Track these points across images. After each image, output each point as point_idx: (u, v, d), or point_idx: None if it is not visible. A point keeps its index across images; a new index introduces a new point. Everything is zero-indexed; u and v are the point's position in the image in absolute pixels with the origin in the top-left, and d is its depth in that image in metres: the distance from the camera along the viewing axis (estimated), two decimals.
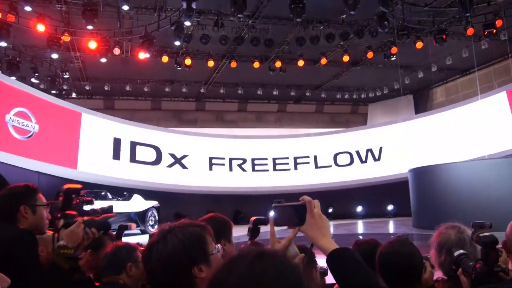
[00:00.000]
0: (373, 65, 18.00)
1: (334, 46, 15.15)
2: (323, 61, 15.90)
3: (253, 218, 2.12)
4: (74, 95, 19.40)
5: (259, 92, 19.93)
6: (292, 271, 0.90)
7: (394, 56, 15.44)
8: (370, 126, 21.00)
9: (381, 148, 18.43)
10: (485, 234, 1.86)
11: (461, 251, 1.97)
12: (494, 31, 13.03)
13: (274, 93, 20.09)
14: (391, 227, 15.23)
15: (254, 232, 2.13)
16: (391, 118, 21.58)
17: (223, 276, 0.88)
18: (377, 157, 18.48)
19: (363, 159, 18.68)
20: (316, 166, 18.90)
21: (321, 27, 13.86)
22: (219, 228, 1.93)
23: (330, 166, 18.73)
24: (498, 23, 12.84)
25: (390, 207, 18.10)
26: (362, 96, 21.98)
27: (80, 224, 2.04)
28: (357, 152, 18.78)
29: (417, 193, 13.40)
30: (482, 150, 14.70)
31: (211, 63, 15.82)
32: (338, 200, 17.88)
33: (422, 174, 13.47)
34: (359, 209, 18.48)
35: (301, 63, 15.91)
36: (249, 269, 0.86)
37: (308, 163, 18.92)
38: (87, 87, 18.53)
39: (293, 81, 19.55)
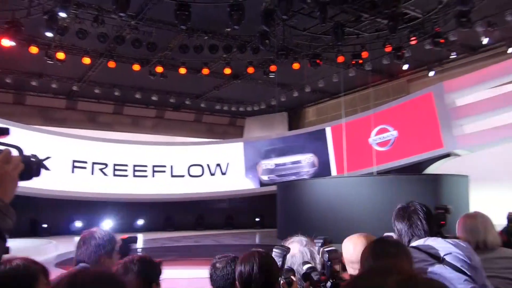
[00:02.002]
0: (253, 80, 18.61)
1: (217, 57, 15.34)
2: (205, 71, 15.98)
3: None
4: None
5: (138, 96, 19.24)
6: None
7: (273, 74, 16.18)
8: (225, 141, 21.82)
9: (228, 164, 19.40)
10: (330, 248, 2.01)
11: (309, 265, 2.09)
12: (361, 61, 14.41)
13: (153, 98, 19.58)
14: (256, 238, 15.79)
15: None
16: (266, 132, 22.58)
17: None
18: (224, 171, 19.41)
19: (212, 172, 19.48)
20: (172, 175, 19.31)
21: (206, 37, 13.94)
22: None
23: (183, 176, 19.17)
24: (364, 54, 14.23)
25: (257, 219, 18.85)
26: (241, 109, 22.57)
27: None
28: (208, 165, 19.65)
29: (282, 206, 14.10)
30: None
31: (87, 60, 14.82)
32: (208, 210, 18.39)
33: (288, 188, 14.22)
34: (228, 219, 19.01)
35: (183, 70, 15.77)
36: None
37: (164, 171, 19.06)
38: None
39: (174, 88, 19.31)
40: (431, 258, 2.00)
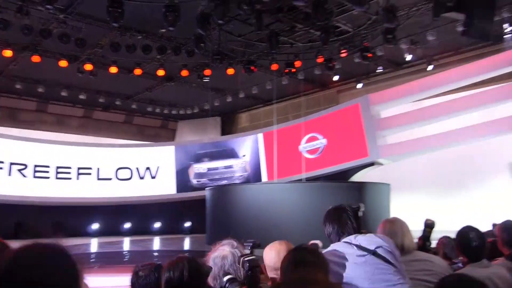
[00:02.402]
0: (187, 83, 18.40)
1: (150, 58, 15.00)
2: (138, 71, 15.55)
3: None
4: None
5: (64, 94, 18.28)
6: None
7: (207, 78, 16.11)
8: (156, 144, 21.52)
9: (158, 168, 19.09)
10: (249, 257, 2.02)
11: (228, 276, 2.08)
12: (294, 70, 14.77)
13: (81, 97, 18.68)
14: (186, 244, 15.57)
15: None
16: (199, 136, 22.40)
17: None
18: (153, 175, 19.08)
19: (141, 175, 19.03)
20: (98, 178, 18.59)
21: (139, 37, 13.58)
22: None
23: (111, 179, 18.56)
24: (297, 63, 14.61)
25: (187, 224, 18.60)
26: (173, 112, 22.22)
27: None
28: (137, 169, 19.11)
29: (212, 211, 14.02)
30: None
31: (8, 53, 13.83)
32: (136, 215, 17.86)
33: (218, 193, 14.18)
34: (157, 225, 18.52)
35: (114, 69, 15.22)
36: None
37: (90, 174, 18.36)
38: None
39: (104, 87, 18.59)
40: (362, 251, 2.15)
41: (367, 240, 2.23)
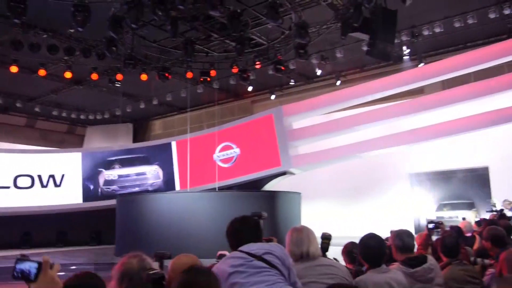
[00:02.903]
0: (97, 87, 17.58)
1: (57, 59, 14.10)
2: (42, 72, 14.49)
3: None
4: None
5: None
6: None
7: (119, 82, 15.50)
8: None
9: (63, 175, 18.07)
10: (154, 271, 1.98)
11: None
12: (209, 79, 14.75)
13: None
14: (92, 256, 14.72)
15: None
16: (109, 143, 21.43)
17: None
18: (58, 183, 18.01)
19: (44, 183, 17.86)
20: None
21: (45, 36, 12.71)
22: None
23: (9, 187, 17.18)
24: (212, 73, 14.63)
25: (95, 235, 17.66)
26: (82, 117, 21.08)
27: None
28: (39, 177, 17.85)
29: (122, 221, 13.46)
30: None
31: None
32: (38, 226, 16.59)
33: (128, 202, 13.67)
34: (62, 236, 17.36)
35: (14, 69, 14.04)
36: None
37: None
38: None
39: (2, 87, 17.12)
40: (250, 257, 2.36)
41: (258, 247, 2.44)
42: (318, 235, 3.12)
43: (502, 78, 11.65)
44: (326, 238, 3.56)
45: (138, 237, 11.90)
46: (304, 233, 2.92)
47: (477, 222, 7.78)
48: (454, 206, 15.61)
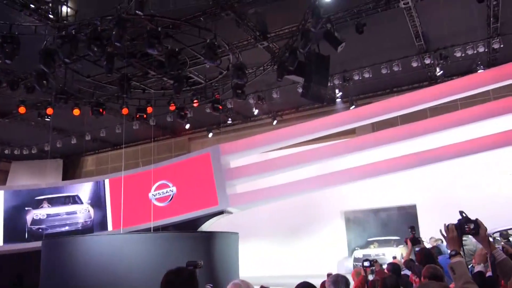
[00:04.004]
0: (25, 121, 16.67)
1: None
2: None
3: None
4: None
5: None
6: None
7: (49, 117, 14.79)
8: None
9: None
10: None
11: None
12: (145, 116, 14.49)
13: None
14: None
15: None
16: (36, 180, 20.18)
17: None
18: None
19: None
20: None
21: None
22: None
23: None
24: (149, 109, 14.40)
25: (16, 279, 16.23)
26: (6, 151, 19.76)
27: None
28: None
29: (48, 265, 12.50)
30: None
31: None
32: None
33: (56, 245, 12.80)
34: None
35: None
36: None
37: None
38: None
39: None
40: None
41: None
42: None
43: (426, 122, 12.46)
44: None
45: (65, 282, 11.08)
46: (243, 287, 2.89)
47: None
48: (381, 243, 15.93)
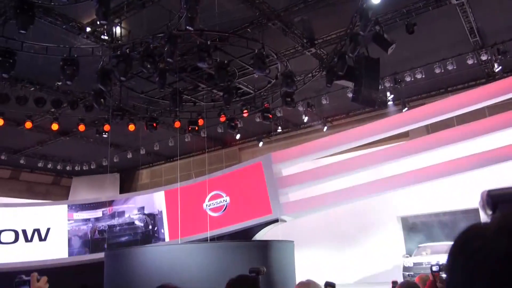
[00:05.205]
0: (84, 138, 17.50)
1: (43, 111, 14.08)
2: (28, 124, 14.37)
3: None
4: None
5: None
6: None
7: (106, 133, 15.45)
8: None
9: (48, 229, 17.49)
10: None
11: None
12: (196, 128, 14.80)
13: None
14: None
15: None
16: (96, 194, 21.06)
17: None
18: (43, 237, 17.40)
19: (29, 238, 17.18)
20: None
21: (32, 89, 12.74)
22: None
23: None
24: (200, 122, 14.69)
25: None
26: (67, 168, 20.80)
27: None
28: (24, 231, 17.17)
29: (110, 276, 12.98)
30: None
31: None
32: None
33: (117, 256, 13.25)
34: None
35: (0, 122, 13.95)
36: None
37: None
38: None
39: None
40: None
41: None
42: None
43: (485, 121, 11.91)
44: (330, 286, 3.45)
45: None
46: (311, 286, 2.88)
47: None
48: (435, 249, 14.21)
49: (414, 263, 13.67)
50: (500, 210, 0.95)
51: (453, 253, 0.77)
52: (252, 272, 3.00)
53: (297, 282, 3.11)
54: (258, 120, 14.69)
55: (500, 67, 12.65)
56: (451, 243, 0.78)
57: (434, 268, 4.78)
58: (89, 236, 17.80)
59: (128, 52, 10.13)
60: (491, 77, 13.95)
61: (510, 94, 11.48)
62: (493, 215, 0.99)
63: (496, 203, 0.96)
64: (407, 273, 13.36)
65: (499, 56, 12.15)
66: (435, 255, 13.61)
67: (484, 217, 1.02)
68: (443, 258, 13.56)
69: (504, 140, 11.49)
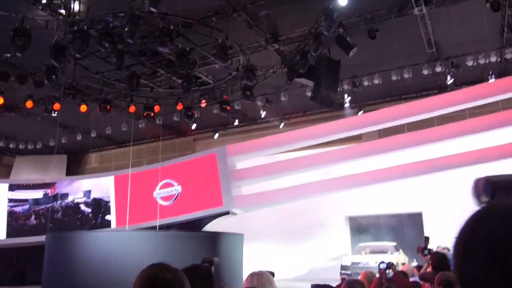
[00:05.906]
0: (31, 115, 16.65)
1: None
2: None
3: None
4: None
5: None
6: None
7: (56, 112, 14.76)
8: None
9: None
10: None
11: None
12: (152, 114, 14.47)
13: None
14: None
15: None
16: (39, 175, 20.14)
17: None
18: None
19: None
20: None
21: None
22: None
23: None
24: (156, 108, 14.37)
25: (19, 273, 16.13)
26: (10, 145, 19.74)
27: None
28: None
29: (51, 260, 12.44)
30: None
31: None
32: None
33: (60, 240, 12.75)
34: None
35: None
36: None
37: None
38: None
39: None
40: None
41: None
42: None
43: (434, 129, 12.39)
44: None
45: (70, 278, 11.02)
46: (265, 276, 2.85)
47: (417, 267, 7.90)
48: (374, 249, 14.51)
49: (352, 262, 13.88)
50: (499, 197, 0.94)
51: (472, 240, 0.74)
52: (205, 262, 2.95)
53: (245, 275, 3.09)
54: (215, 111, 14.57)
55: (452, 80, 13.21)
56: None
57: (382, 266, 4.88)
58: (29, 218, 17.01)
59: (85, 28, 9.70)
60: (443, 89, 14.55)
61: (459, 106, 12.01)
62: (496, 201, 0.97)
63: (495, 190, 0.96)
64: (344, 272, 13.40)
65: (453, 69, 12.69)
66: (374, 254, 13.88)
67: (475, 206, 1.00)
68: (381, 258, 13.96)
69: (450, 149, 12.02)
